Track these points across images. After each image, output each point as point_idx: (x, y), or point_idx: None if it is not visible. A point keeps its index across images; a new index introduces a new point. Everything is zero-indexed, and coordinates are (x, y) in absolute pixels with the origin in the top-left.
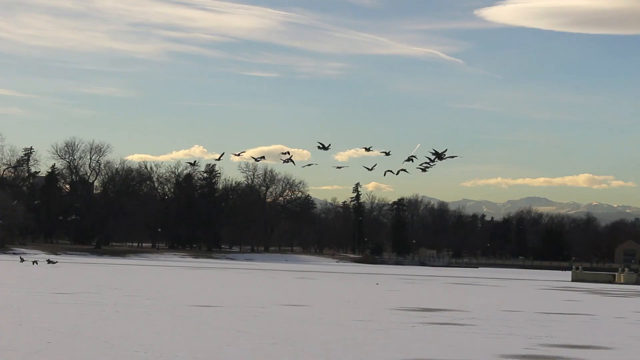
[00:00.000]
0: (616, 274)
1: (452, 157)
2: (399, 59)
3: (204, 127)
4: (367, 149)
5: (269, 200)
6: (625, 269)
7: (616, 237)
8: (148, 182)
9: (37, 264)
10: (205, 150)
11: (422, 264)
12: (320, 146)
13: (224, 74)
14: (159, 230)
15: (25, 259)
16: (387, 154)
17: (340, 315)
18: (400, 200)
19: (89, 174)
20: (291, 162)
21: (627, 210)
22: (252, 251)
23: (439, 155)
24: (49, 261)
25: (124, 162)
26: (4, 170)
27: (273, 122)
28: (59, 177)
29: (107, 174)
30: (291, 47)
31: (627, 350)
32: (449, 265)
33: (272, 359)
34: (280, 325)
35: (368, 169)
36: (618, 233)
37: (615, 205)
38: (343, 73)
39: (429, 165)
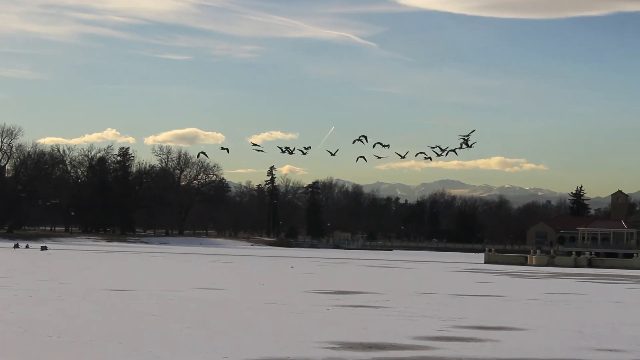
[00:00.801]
0: (528, 255)
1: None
2: (312, 42)
3: (117, 110)
4: (360, 139)
5: (183, 183)
6: (537, 250)
7: (528, 220)
8: (61, 166)
9: None
10: (118, 133)
11: (337, 246)
12: (284, 150)
13: (137, 56)
14: (72, 214)
15: None
16: (385, 145)
17: (255, 299)
18: (315, 183)
19: (0, 158)
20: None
21: (539, 193)
22: (167, 235)
23: (466, 142)
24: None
25: (36, 145)
26: None
27: (187, 105)
28: None
29: (18, 157)
30: (204, 29)
31: (539, 331)
32: (363, 248)
33: (187, 343)
34: (195, 309)
35: (331, 153)
36: (530, 215)
37: (527, 188)
38: (257, 56)
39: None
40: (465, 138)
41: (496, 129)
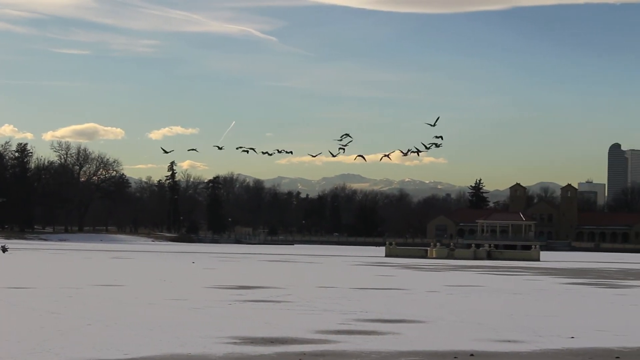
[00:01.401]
0: (428, 248)
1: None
2: (212, 36)
3: (15, 105)
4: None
5: (82, 179)
6: (437, 243)
7: (428, 213)
8: None
9: None
10: (16, 129)
11: (238, 241)
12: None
13: (34, 51)
14: None
15: None
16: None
17: (156, 295)
18: (216, 178)
19: None
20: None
21: (439, 187)
22: (66, 231)
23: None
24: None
25: None
26: None
27: (85, 100)
28: None
29: None
30: (103, 24)
31: (439, 323)
32: (264, 242)
33: (87, 341)
34: (96, 306)
35: (312, 155)
36: (430, 209)
37: (427, 182)
38: (156, 50)
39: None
40: (437, 137)
41: (395, 122)
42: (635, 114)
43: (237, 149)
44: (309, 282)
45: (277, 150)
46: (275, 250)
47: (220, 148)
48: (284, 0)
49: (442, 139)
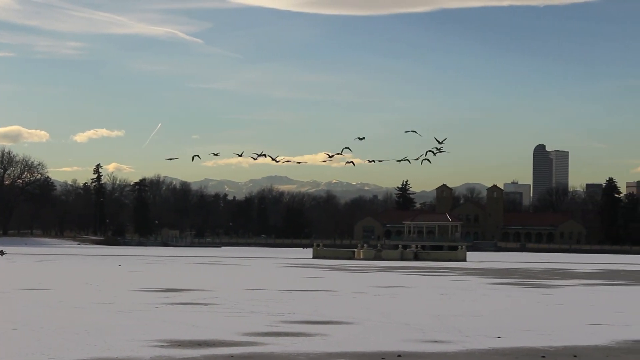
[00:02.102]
0: (356, 250)
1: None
2: (138, 38)
3: None
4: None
5: (7, 182)
6: (365, 245)
7: (355, 214)
8: None
9: None
10: None
11: (165, 244)
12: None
13: None
14: None
15: None
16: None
17: (82, 298)
18: (142, 180)
19: None
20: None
21: (366, 188)
22: None
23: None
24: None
25: None
26: None
27: (9, 103)
28: None
29: None
30: (28, 25)
31: (366, 324)
32: (191, 245)
33: (13, 344)
34: (21, 310)
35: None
36: (357, 210)
37: (354, 183)
38: (82, 52)
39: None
40: (440, 143)
41: (323, 123)
42: (559, 115)
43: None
44: (236, 284)
45: (257, 154)
46: (202, 253)
47: (240, 154)
48: (210, 2)
49: (440, 142)
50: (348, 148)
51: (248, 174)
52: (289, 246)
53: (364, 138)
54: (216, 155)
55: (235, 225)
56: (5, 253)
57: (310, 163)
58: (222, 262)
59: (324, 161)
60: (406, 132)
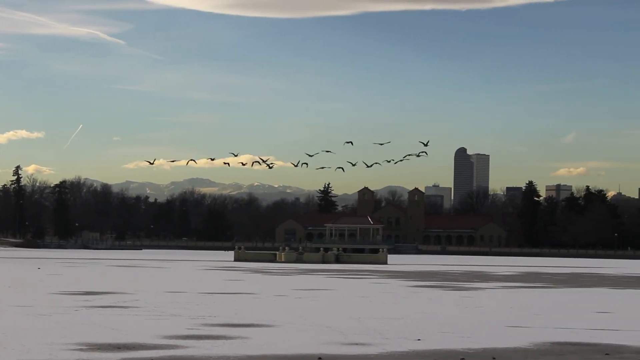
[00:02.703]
0: (277, 252)
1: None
2: (59, 39)
3: None
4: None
5: None
6: (286, 247)
7: (277, 217)
8: None
9: None
10: None
11: (85, 247)
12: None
13: None
14: None
15: None
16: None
17: (0, 301)
18: (62, 182)
19: None
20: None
21: (288, 190)
22: None
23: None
24: None
25: None
26: None
27: None
28: None
29: None
30: None
31: (288, 326)
32: (112, 247)
33: None
34: None
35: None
36: (279, 213)
37: (276, 186)
38: (2, 53)
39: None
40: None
41: (245, 126)
42: (480, 119)
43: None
44: (157, 287)
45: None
46: (123, 255)
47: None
48: (132, 3)
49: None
50: (350, 142)
51: (170, 177)
52: (210, 249)
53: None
54: (212, 160)
55: (157, 228)
56: None
57: (231, 165)
58: (143, 265)
59: (243, 164)
60: (346, 142)
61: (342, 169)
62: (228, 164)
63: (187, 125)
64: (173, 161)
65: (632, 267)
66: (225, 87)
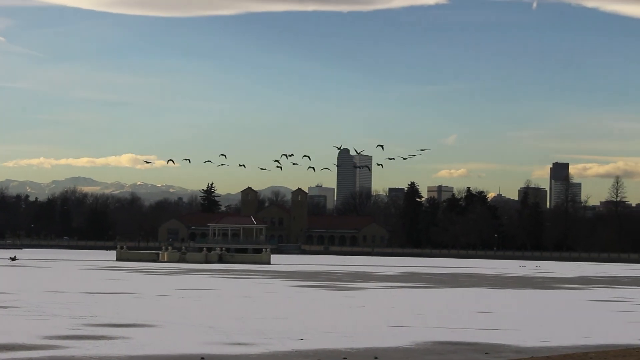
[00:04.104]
0: (160, 252)
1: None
2: None
3: None
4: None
5: None
6: (169, 247)
7: (160, 216)
8: None
9: None
10: None
11: None
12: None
13: None
14: None
15: None
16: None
17: None
18: None
19: None
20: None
21: (171, 190)
22: None
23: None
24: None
25: None
26: None
27: None
28: None
29: None
30: None
31: (170, 326)
32: None
33: None
34: None
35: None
36: (162, 212)
37: (159, 185)
38: None
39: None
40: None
41: (127, 125)
42: (362, 120)
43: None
44: (38, 287)
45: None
46: (1, 255)
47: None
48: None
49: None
50: (346, 148)
51: (51, 175)
52: (92, 248)
53: (340, 146)
54: (208, 162)
55: (38, 227)
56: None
57: (113, 164)
58: (23, 265)
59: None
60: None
61: (282, 165)
62: (149, 162)
63: (67, 124)
64: (170, 161)
65: (511, 268)
66: (108, 85)
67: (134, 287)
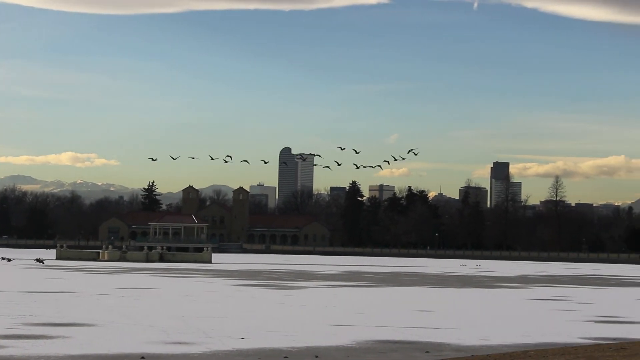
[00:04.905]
0: (100, 251)
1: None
2: None
3: None
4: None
5: None
6: (110, 246)
7: (101, 215)
8: None
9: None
10: None
11: None
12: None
13: None
14: None
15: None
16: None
17: None
18: None
19: None
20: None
21: (112, 189)
22: None
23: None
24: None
25: None
26: None
27: None
28: None
29: None
30: None
31: (110, 326)
32: None
33: None
34: None
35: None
36: (102, 211)
37: (99, 184)
38: None
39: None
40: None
41: (67, 123)
42: (304, 119)
43: None
44: None
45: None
46: None
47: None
48: None
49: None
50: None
51: None
52: (32, 247)
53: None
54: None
55: None
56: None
57: (53, 163)
58: None
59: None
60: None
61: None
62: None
63: (7, 122)
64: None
65: (452, 267)
66: (48, 83)
67: (73, 286)
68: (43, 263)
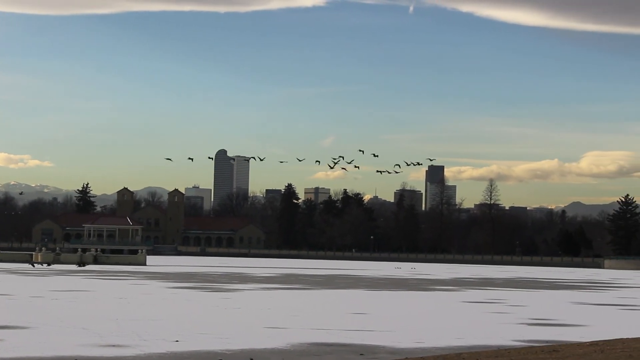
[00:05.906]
0: (34, 253)
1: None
2: None
3: None
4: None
5: None
6: (43, 248)
7: (34, 217)
8: None
9: None
10: None
11: None
12: None
13: None
14: None
15: None
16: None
17: None
18: None
19: None
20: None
21: (45, 190)
22: None
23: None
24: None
25: None
26: None
27: None
28: None
29: None
30: None
31: (43, 328)
32: None
33: None
34: None
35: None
36: (36, 212)
37: (33, 185)
38: None
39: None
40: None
41: (0, 124)
42: (240, 121)
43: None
44: None
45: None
46: None
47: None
48: None
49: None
50: (342, 157)
51: None
52: None
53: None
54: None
55: None
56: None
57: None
58: None
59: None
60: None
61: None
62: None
63: None
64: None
65: (387, 269)
66: None
67: (6, 289)
68: (83, 265)
